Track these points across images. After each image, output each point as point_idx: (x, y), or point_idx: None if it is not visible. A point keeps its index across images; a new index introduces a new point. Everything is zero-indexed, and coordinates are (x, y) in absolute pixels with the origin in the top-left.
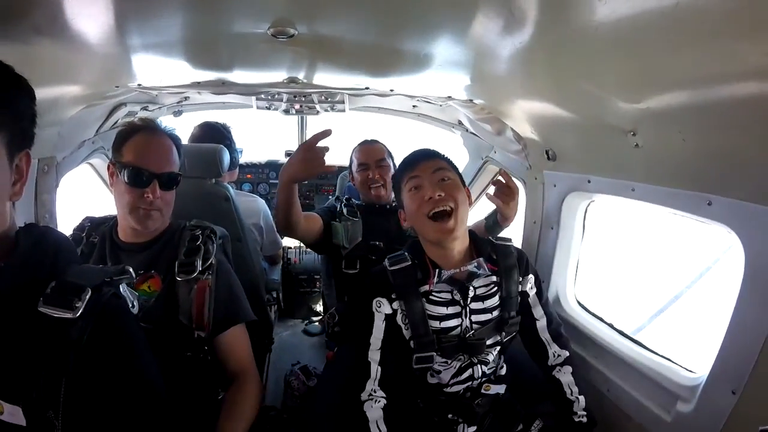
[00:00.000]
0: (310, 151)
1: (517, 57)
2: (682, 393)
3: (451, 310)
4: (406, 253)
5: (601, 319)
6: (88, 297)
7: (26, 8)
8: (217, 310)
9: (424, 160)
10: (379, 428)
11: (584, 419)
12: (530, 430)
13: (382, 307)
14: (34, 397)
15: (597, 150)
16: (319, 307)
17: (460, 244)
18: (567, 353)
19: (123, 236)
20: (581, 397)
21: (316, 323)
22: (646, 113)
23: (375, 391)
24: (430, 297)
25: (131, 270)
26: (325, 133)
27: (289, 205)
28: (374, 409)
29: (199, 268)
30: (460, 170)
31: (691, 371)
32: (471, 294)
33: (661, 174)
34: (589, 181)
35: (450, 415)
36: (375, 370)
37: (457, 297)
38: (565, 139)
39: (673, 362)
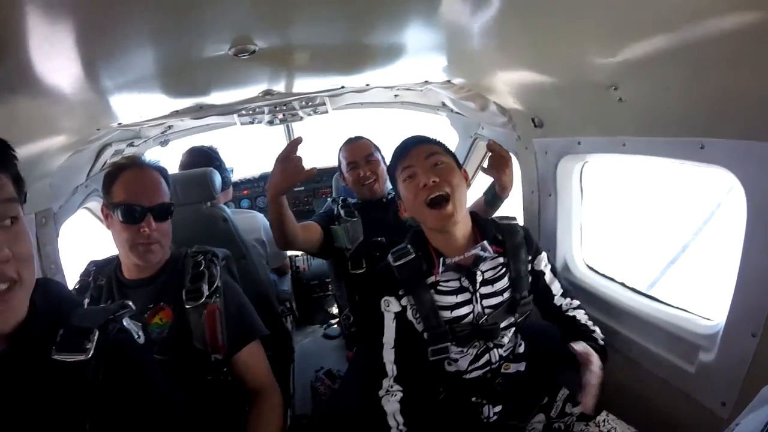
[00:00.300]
0: (286, 161)
1: (490, 30)
2: (703, 342)
3: (460, 297)
4: (408, 246)
5: (613, 280)
6: (96, 337)
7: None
8: (229, 331)
9: (415, 146)
10: (396, 420)
11: (602, 342)
12: (556, 400)
13: (391, 306)
14: None
15: (582, 110)
16: (335, 310)
17: (462, 228)
18: (578, 302)
19: (128, 274)
20: (597, 328)
21: (335, 326)
22: (625, 66)
23: (391, 387)
24: (438, 287)
25: (131, 303)
26: (297, 141)
27: (281, 218)
28: (391, 403)
29: (206, 292)
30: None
31: (708, 319)
32: (479, 279)
33: (649, 125)
34: (579, 143)
35: (473, 398)
36: (391, 369)
37: (466, 284)
38: (550, 104)
39: (689, 312)
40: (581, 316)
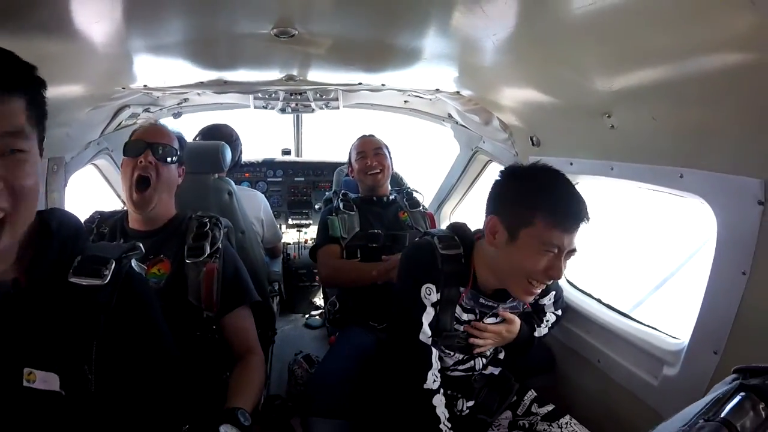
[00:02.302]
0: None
1: (501, 48)
2: (667, 358)
3: (466, 317)
4: (456, 238)
5: (590, 296)
6: (113, 266)
7: (34, 6)
8: (224, 291)
9: (577, 228)
10: (445, 423)
11: (537, 334)
12: (523, 399)
13: (431, 295)
14: (70, 356)
15: (577, 133)
16: (320, 301)
17: None
18: (559, 312)
19: (132, 225)
20: (545, 330)
21: (317, 317)
22: (619, 95)
23: (436, 379)
24: (459, 302)
25: (141, 246)
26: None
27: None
28: (441, 403)
29: (208, 251)
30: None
31: (675, 337)
32: (489, 313)
33: (636, 152)
34: (571, 164)
35: (450, 391)
36: (434, 360)
37: (477, 311)
38: (548, 125)
39: (658, 330)
40: (549, 316)
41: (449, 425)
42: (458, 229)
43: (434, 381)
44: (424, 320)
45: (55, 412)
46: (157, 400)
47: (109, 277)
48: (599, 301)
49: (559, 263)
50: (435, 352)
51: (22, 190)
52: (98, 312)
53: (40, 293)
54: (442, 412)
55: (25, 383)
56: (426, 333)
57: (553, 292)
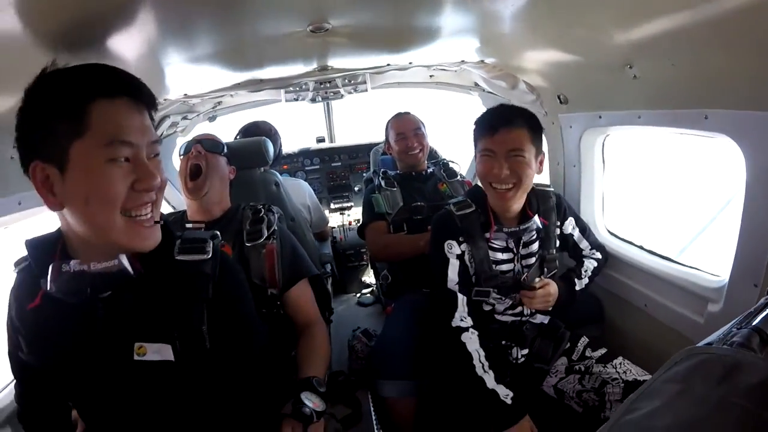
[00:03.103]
0: None
1: (519, 13)
2: (711, 295)
3: (505, 256)
4: (468, 200)
5: (632, 243)
6: (211, 244)
7: (91, 39)
8: (285, 269)
9: (505, 128)
10: (479, 354)
11: (577, 287)
12: (577, 345)
13: (453, 249)
14: (187, 320)
15: (602, 87)
16: (369, 279)
17: (517, 205)
18: (600, 256)
19: (192, 217)
20: (586, 280)
21: (368, 294)
22: (637, 46)
23: (464, 318)
24: (489, 243)
25: (218, 233)
26: None
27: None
28: (473, 340)
29: (266, 234)
30: None
31: (716, 275)
32: (522, 242)
33: (660, 99)
34: (600, 117)
35: (503, 341)
36: (462, 299)
37: (511, 245)
38: (574, 82)
39: (699, 270)
40: (588, 263)
41: (486, 363)
42: (472, 191)
43: (461, 320)
44: (449, 271)
45: (167, 381)
46: (255, 361)
47: (210, 253)
48: (641, 247)
49: (497, 162)
50: (462, 298)
51: (162, 185)
52: (207, 281)
53: (154, 274)
54: (474, 348)
55: (136, 357)
56: (453, 280)
57: (572, 218)
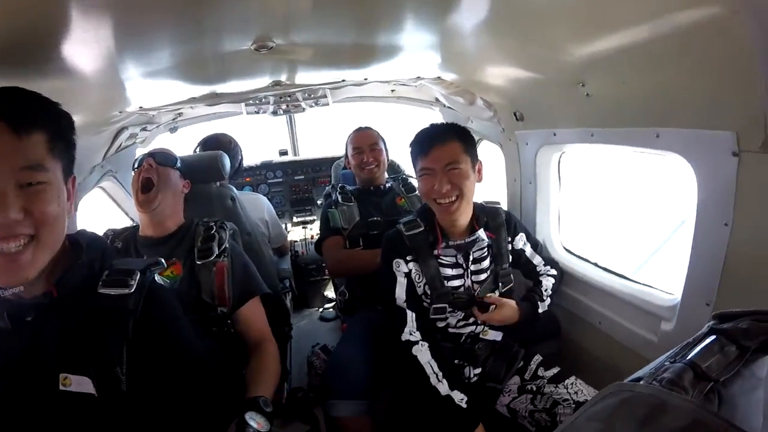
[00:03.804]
0: None
1: (477, 32)
2: (664, 313)
3: (455, 272)
4: (417, 219)
5: (587, 260)
6: (138, 277)
7: (31, 49)
8: (235, 287)
9: (439, 144)
10: (431, 366)
11: (540, 310)
12: (530, 364)
13: (401, 267)
14: (103, 359)
15: (557, 104)
16: (331, 294)
17: (464, 218)
18: (555, 272)
19: (143, 232)
20: (548, 300)
21: (330, 309)
22: (589, 64)
23: (413, 332)
24: (439, 260)
25: (163, 261)
26: None
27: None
28: (423, 353)
29: (216, 251)
30: None
31: (670, 293)
32: (471, 258)
33: (612, 117)
34: (554, 134)
35: (456, 361)
36: (411, 315)
37: (461, 260)
38: (529, 99)
39: (653, 288)
40: (546, 282)
41: (440, 372)
42: (421, 210)
43: (410, 334)
44: (397, 289)
45: (90, 413)
46: (183, 398)
47: (135, 287)
48: (596, 265)
49: (436, 178)
50: (411, 314)
51: (43, 217)
52: (127, 317)
53: (71, 304)
54: (426, 360)
55: (61, 387)
56: (401, 298)
57: (523, 234)
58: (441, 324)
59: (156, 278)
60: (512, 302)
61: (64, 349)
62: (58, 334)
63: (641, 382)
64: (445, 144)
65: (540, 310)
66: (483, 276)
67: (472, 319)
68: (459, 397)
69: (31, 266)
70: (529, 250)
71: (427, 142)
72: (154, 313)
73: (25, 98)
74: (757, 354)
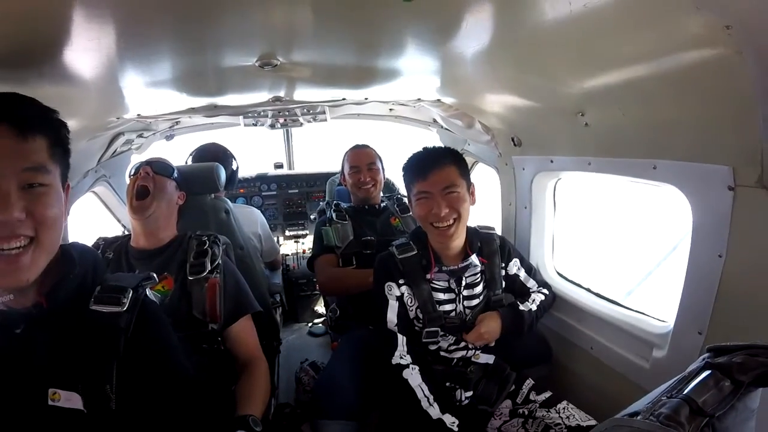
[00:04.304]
0: None
1: (478, 59)
2: (656, 341)
3: (447, 296)
4: (411, 243)
5: (580, 285)
6: (130, 295)
7: (31, 54)
8: (227, 304)
9: (435, 169)
10: (422, 389)
11: (522, 308)
12: (521, 388)
13: (393, 291)
14: (92, 377)
15: (555, 132)
16: (321, 309)
17: (458, 242)
18: (547, 292)
19: (136, 244)
20: (534, 306)
21: (320, 324)
22: (589, 95)
23: (403, 356)
24: (431, 284)
25: (155, 276)
26: None
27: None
28: (414, 376)
29: (209, 267)
30: None
31: (662, 321)
32: (464, 283)
33: (610, 147)
34: (551, 161)
35: (448, 383)
36: (401, 339)
37: (453, 285)
38: (527, 126)
39: (646, 315)
40: (535, 296)
41: (431, 396)
42: (414, 233)
43: (401, 357)
44: (389, 312)
45: (79, 430)
46: (173, 418)
47: (127, 305)
48: (589, 290)
49: (435, 202)
50: (402, 338)
51: (44, 219)
52: (118, 336)
53: (61, 317)
54: (417, 384)
55: (50, 402)
56: (392, 321)
57: (516, 259)
58: (433, 347)
59: (147, 293)
60: (491, 312)
61: (53, 364)
62: (48, 347)
63: (638, 417)
64: (443, 168)
65: (522, 308)
66: (475, 301)
67: (463, 344)
68: (450, 421)
69: (31, 269)
70: (523, 275)
71: (423, 166)
72: (146, 332)
73: (28, 103)
74: (750, 387)
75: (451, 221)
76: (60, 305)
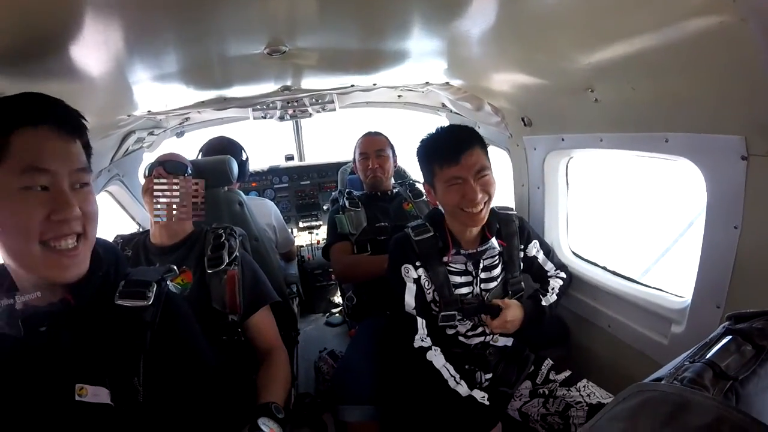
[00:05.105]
0: None
1: (485, 39)
2: (674, 316)
3: (464, 279)
4: (427, 224)
5: (596, 264)
6: (155, 289)
7: (41, 52)
8: (246, 295)
9: (467, 151)
10: (447, 369)
11: (546, 306)
12: (540, 369)
13: (410, 273)
14: (120, 371)
15: (565, 110)
16: (338, 299)
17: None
18: (564, 275)
19: (155, 240)
20: (554, 298)
21: (336, 314)
22: (598, 70)
23: (424, 339)
24: (448, 267)
25: (175, 268)
26: None
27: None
28: (438, 357)
29: (227, 260)
30: None
31: (680, 296)
32: (481, 266)
33: (621, 122)
34: (563, 140)
35: (467, 366)
36: (420, 322)
37: (470, 268)
38: (537, 105)
39: (663, 291)
40: (554, 282)
41: (457, 374)
42: (430, 215)
43: (422, 341)
44: (406, 295)
45: (106, 424)
46: (199, 407)
47: (152, 299)
48: (605, 268)
49: (469, 187)
50: (420, 321)
51: (91, 216)
52: (144, 329)
53: (87, 313)
54: (442, 365)
55: (77, 398)
56: (410, 305)
57: (536, 241)
58: (450, 332)
59: (169, 285)
60: (515, 301)
61: (79, 359)
62: (74, 343)
63: (662, 382)
64: (473, 151)
65: (543, 303)
66: (492, 284)
67: (480, 329)
68: (480, 395)
69: (84, 261)
70: (541, 257)
71: (451, 149)
72: (171, 325)
73: (62, 105)
74: None
75: (483, 205)
76: (86, 301)
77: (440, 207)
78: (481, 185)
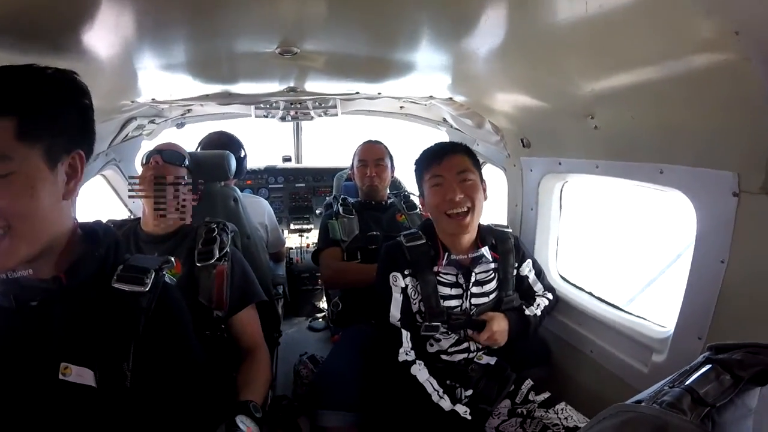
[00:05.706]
0: None
1: (491, 57)
2: (656, 345)
3: (454, 291)
4: (419, 232)
5: (582, 289)
6: (153, 276)
7: (49, 27)
8: (233, 292)
9: (450, 155)
10: (431, 384)
11: (528, 312)
12: (521, 388)
13: (398, 281)
14: (109, 353)
15: (564, 134)
16: (323, 304)
17: (470, 235)
18: (551, 297)
19: (146, 228)
20: (539, 312)
21: (320, 319)
22: (600, 98)
23: (408, 352)
24: (438, 277)
25: (173, 259)
26: None
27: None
28: (422, 371)
29: (217, 255)
30: None
31: (662, 326)
32: (473, 279)
33: (618, 150)
34: (560, 163)
35: (448, 381)
36: (405, 334)
37: (461, 280)
38: (537, 127)
39: (646, 320)
40: (540, 300)
41: (440, 389)
42: (423, 224)
43: (406, 354)
44: (392, 306)
45: (87, 405)
46: (183, 398)
47: (149, 286)
48: (591, 294)
49: (449, 186)
50: (405, 333)
51: (11, 209)
52: (139, 315)
53: (80, 293)
54: (425, 379)
55: (60, 376)
56: (395, 317)
57: (530, 260)
58: (432, 350)
59: (166, 277)
60: (499, 313)
61: (67, 338)
62: (63, 322)
63: (642, 404)
64: (456, 154)
65: (527, 313)
66: (484, 299)
67: (464, 345)
68: (463, 410)
69: (8, 256)
70: (532, 277)
71: (436, 153)
72: (166, 313)
73: None
74: (749, 385)
75: (466, 209)
76: (80, 281)
77: (430, 216)
78: (462, 188)
